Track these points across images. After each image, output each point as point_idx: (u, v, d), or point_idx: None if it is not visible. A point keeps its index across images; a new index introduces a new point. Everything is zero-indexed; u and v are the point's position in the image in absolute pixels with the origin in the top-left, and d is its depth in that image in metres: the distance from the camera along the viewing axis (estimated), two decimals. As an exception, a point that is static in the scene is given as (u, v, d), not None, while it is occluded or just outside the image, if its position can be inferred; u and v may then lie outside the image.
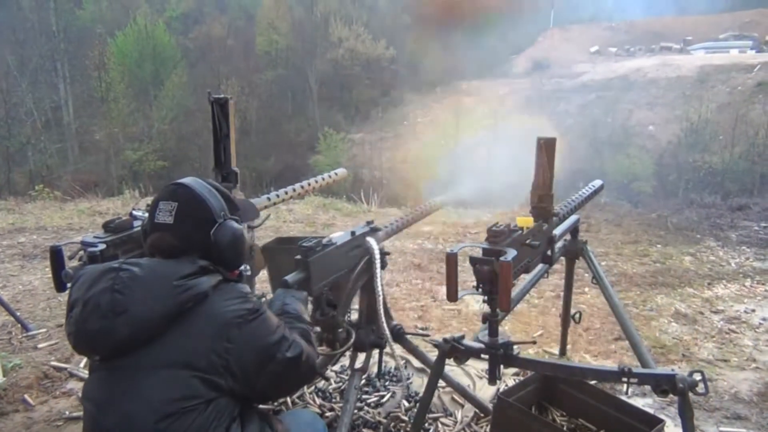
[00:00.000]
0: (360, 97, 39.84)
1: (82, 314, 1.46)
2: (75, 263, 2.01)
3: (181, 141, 32.08)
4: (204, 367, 1.43)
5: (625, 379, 1.96)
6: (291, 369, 1.58)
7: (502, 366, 2.12)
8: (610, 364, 3.53)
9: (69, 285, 1.95)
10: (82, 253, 1.99)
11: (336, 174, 3.26)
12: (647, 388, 3.18)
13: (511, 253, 1.89)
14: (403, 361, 3.31)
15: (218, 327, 1.46)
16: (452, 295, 1.97)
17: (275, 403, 2.80)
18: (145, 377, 1.43)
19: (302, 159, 33.41)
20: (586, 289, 4.85)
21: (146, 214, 2.23)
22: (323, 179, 3.16)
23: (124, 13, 38.45)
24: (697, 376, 1.92)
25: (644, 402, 3.08)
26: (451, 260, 1.94)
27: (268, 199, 2.76)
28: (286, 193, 2.88)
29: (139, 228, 2.12)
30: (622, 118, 33.07)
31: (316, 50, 39.30)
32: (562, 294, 4.52)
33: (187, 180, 1.66)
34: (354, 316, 2.47)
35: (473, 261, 1.96)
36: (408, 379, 3.13)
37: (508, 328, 2.20)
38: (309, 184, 3.05)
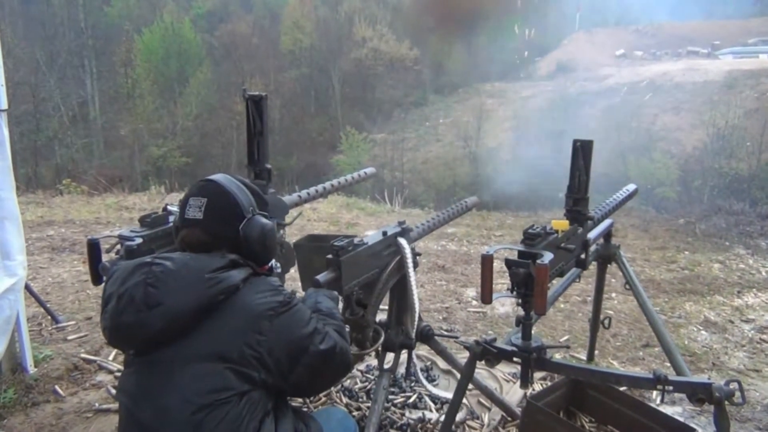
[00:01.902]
0: (383, 97, 39.85)
1: (117, 308, 1.47)
2: (112, 256, 2.03)
3: (204, 138, 32.39)
4: (237, 359, 1.44)
5: (660, 387, 1.93)
6: (325, 362, 1.58)
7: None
8: (639, 371, 3.49)
9: (105, 278, 1.97)
10: (119, 246, 2.01)
11: (365, 173, 3.26)
12: (677, 395, 3.15)
13: (547, 256, 1.87)
14: (429, 363, 3.30)
15: (250, 319, 1.47)
16: (487, 297, 1.96)
17: (304, 402, 2.80)
18: (179, 370, 1.44)
19: (324, 158, 33.54)
20: (614, 295, 4.80)
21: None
22: (353, 178, 3.16)
23: (151, 10, 38.92)
24: (734, 386, 1.89)
25: (673, 410, 3.03)
26: (487, 262, 1.93)
27: (299, 197, 2.76)
28: (317, 191, 2.88)
29: (174, 223, 2.14)
30: (647, 122, 32.74)
31: (339, 50, 39.40)
32: (588, 299, 4.49)
33: (217, 176, 1.68)
34: (383, 316, 2.47)
35: (509, 263, 1.95)
36: (435, 381, 3.12)
37: (534, 332, 2.18)
38: (339, 183, 3.05)
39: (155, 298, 1.44)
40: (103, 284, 2.01)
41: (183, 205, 1.64)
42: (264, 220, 1.64)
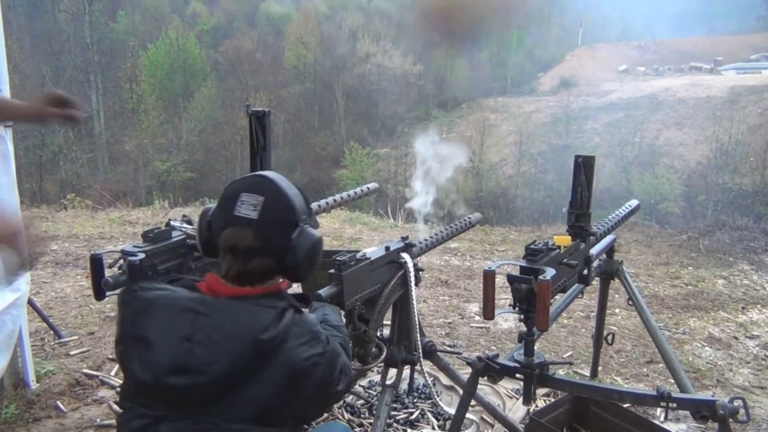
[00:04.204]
0: (386, 112, 40.02)
1: (158, 364, 1.31)
2: (115, 271, 2.03)
3: (208, 152, 32.55)
4: (275, 420, 1.36)
5: (663, 404, 1.92)
6: (337, 399, 1.58)
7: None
8: (642, 387, 3.47)
9: (108, 293, 1.97)
10: (122, 262, 2.01)
11: (368, 188, 3.27)
12: (681, 412, 3.13)
13: (549, 272, 1.87)
14: (432, 379, 3.29)
15: (292, 378, 1.35)
16: (489, 313, 1.95)
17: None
18: (217, 429, 1.34)
19: (327, 173, 33.65)
20: (617, 310, 4.78)
21: (184, 225, 2.24)
22: (356, 193, 3.16)
23: (157, 26, 39.28)
24: (738, 403, 1.88)
25: (677, 428, 3.01)
26: (489, 278, 1.93)
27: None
28: (320, 206, 2.88)
29: (178, 238, 2.13)
30: (650, 137, 32.83)
31: (343, 65, 39.64)
32: (591, 314, 4.47)
33: (271, 174, 1.51)
34: (385, 331, 2.46)
35: (511, 279, 1.95)
36: (437, 396, 3.10)
37: (537, 348, 2.17)
38: (342, 198, 3.06)
39: (204, 361, 1.30)
40: (106, 298, 2.02)
41: (231, 200, 1.43)
42: (315, 232, 1.48)
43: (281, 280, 1.50)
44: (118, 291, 1.71)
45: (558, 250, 2.11)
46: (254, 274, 1.41)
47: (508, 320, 4.44)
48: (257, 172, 1.52)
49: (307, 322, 1.43)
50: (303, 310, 1.47)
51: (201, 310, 1.33)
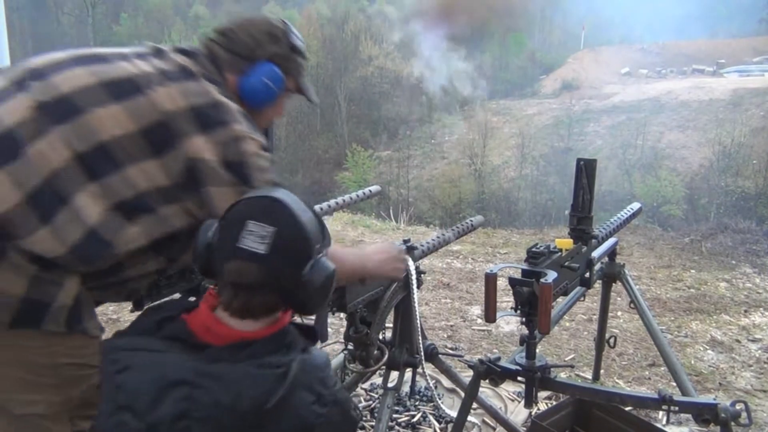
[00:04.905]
0: (388, 114, 40.13)
1: None
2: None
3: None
4: None
5: (665, 407, 1.92)
6: None
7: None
8: (644, 391, 3.47)
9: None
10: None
11: (371, 191, 3.27)
12: (683, 416, 3.12)
13: (551, 275, 1.87)
14: (434, 381, 3.29)
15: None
16: (491, 316, 1.96)
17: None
18: None
19: (329, 175, 33.74)
20: (619, 314, 4.77)
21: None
22: (358, 196, 3.17)
23: (160, 29, 39.43)
24: (740, 407, 1.88)
25: (680, 431, 3.01)
26: (490, 280, 1.93)
27: (304, 214, 2.77)
28: (322, 209, 2.89)
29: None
30: (652, 140, 32.89)
31: (345, 68, 39.72)
32: (594, 317, 4.47)
33: (283, 195, 1.28)
34: (387, 334, 2.46)
35: (512, 282, 1.95)
36: (439, 399, 3.10)
37: (539, 351, 2.17)
38: (344, 200, 3.06)
39: None
40: None
41: (236, 226, 1.22)
42: (328, 264, 1.27)
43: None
44: None
45: (560, 253, 2.11)
46: (257, 309, 1.24)
47: (509, 323, 4.44)
48: (268, 193, 1.29)
49: (317, 366, 1.27)
50: (311, 348, 1.32)
51: (196, 381, 1.14)
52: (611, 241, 2.73)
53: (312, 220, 1.28)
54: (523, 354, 2.06)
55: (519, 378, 2.07)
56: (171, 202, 1.47)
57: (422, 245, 2.44)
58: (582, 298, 2.78)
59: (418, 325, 2.28)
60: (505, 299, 3.46)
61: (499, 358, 2.13)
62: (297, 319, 1.44)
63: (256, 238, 1.19)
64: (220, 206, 1.41)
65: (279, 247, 1.20)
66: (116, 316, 4.03)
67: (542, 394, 3.14)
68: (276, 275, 1.21)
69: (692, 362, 3.96)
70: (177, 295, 1.90)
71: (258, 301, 1.23)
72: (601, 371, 3.48)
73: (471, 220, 2.81)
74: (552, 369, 2.07)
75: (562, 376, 3.49)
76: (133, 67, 1.48)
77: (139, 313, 1.41)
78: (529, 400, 2.09)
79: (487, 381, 2.15)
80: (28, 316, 1.30)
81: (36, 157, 1.31)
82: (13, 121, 1.32)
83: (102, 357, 1.22)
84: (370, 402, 3.06)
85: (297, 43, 1.80)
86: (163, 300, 1.40)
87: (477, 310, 4.84)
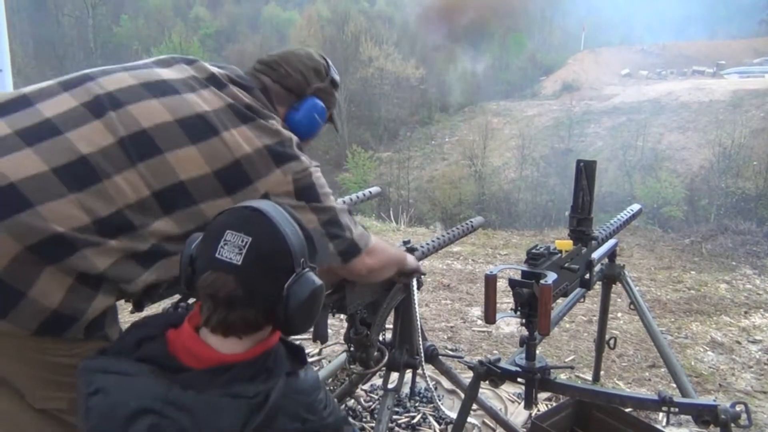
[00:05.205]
0: (388, 115, 40.17)
1: None
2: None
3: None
4: None
5: (665, 409, 1.92)
6: None
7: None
8: (644, 392, 3.47)
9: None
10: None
11: (371, 192, 3.27)
12: (683, 417, 3.12)
13: (551, 276, 1.87)
14: (434, 383, 3.29)
15: None
16: (490, 318, 1.96)
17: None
18: None
19: (330, 176, 33.62)
20: (619, 315, 4.77)
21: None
22: (358, 197, 3.16)
23: (160, 30, 39.47)
24: (740, 408, 1.88)
25: (680, 432, 3.01)
26: (490, 282, 1.93)
27: (304, 216, 2.77)
28: (322, 210, 2.89)
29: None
30: (652, 141, 32.91)
31: (346, 69, 39.73)
32: (594, 318, 4.47)
33: (264, 205, 1.22)
34: (387, 335, 2.46)
35: (512, 283, 1.95)
36: (439, 400, 3.10)
37: (539, 353, 2.16)
38: (344, 202, 3.06)
39: None
40: None
41: (213, 236, 1.17)
42: (315, 278, 1.20)
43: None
44: None
45: (560, 255, 2.11)
46: (237, 326, 1.16)
47: (509, 324, 4.44)
48: (248, 203, 1.24)
49: (300, 392, 1.21)
50: (299, 372, 1.25)
51: (163, 410, 1.08)
52: (611, 242, 2.73)
53: (296, 233, 1.21)
54: (523, 355, 2.06)
55: (519, 379, 2.07)
56: None
57: (422, 246, 2.45)
58: (582, 300, 2.78)
59: (419, 326, 2.29)
60: (505, 300, 3.46)
61: (499, 360, 2.13)
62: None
63: (232, 248, 1.14)
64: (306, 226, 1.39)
65: (255, 257, 1.14)
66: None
67: (542, 395, 3.15)
68: (253, 288, 1.15)
69: (692, 364, 3.96)
70: (177, 296, 1.91)
71: (237, 316, 1.15)
72: (601, 372, 3.48)
73: (471, 222, 2.81)
74: (552, 370, 2.07)
75: (562, 377, 3.49)
76: (203, 102, 1.54)
77: (140, 314, 1.42)
78: (529, 402, 2.10)
79: (487, 382, 2.16)
80: (54, 327, 1.32)
81: (113, 190, 1.36)
82: (91, 151, 1.36)
83: (77, 378, 1.17)
84: (370, 403, 3.06)
85: (337, 78, 1.91)
86: (148, 315, 1.37)
87: (477, 312, 4.84)
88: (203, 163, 1.47)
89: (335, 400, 1.35)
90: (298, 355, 1.30)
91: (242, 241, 1.14)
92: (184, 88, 1.55)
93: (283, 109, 1.76)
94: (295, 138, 1.65)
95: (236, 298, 1.14)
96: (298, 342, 1.35)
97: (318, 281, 1.20)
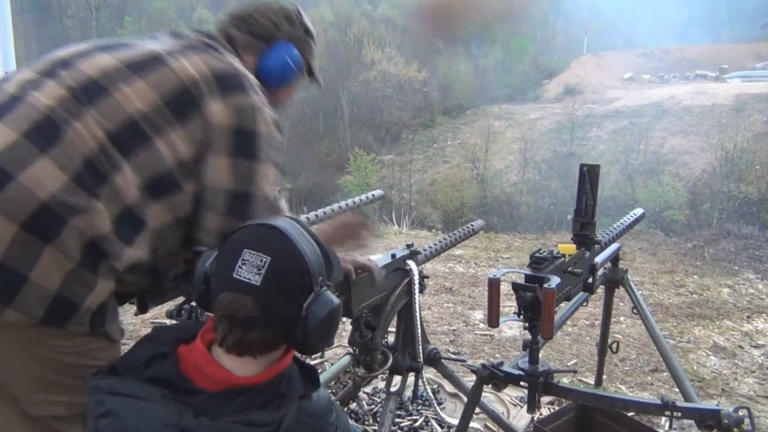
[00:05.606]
0: (391, 118, 40.18)
1: None
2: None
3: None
4: None
5: (668, 413, 1.92)
6: None
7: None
8: (647, 396, 3.47)
9: None
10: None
11: (373, 195, 3.27)
12: (686, 422, 3.12)
13: (554, 281, 1.87)
14: (436, 386, 3.28)
15: None
16: (494, 321, 1.96)
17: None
18: None
19: (332, 179, 33.73)
20: (622, 319, 4.77)
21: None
22: (361, 200, 3.17)
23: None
24: (743, 413, 1.88)
25: (682, 437, 3.00)
26: (494, 285, 1.93)
27: (307, 218, 2.77)
28: (324, 213, 2.89)
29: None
30: (654, 145, 32.88)
31: (348, 72, 39.77)
32: (596, 322, 4.46)
33: (283, 223, 1.20)
34: (391, 338, 2.46)
35: (516, 287, 1.95)
36: (442, 404, 3.10)
37: (542, 356, 2.16)
38: (346, 205, 3.06)
39: None
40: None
41: (231, 255, 1.16)
42: (333, 298, 1.19)
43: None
44: None
45: (563, 259, 2.11)
46: (254, 346, 1.15)
47: (512, 328, 4.44)
48: (266, 220, 1.22)
49: (313, 415, 1.21)
50: (311, 394, 1.25)
51: (183, 426, 1.07)
52: (614, 246, 2.73)
53: (314, 251, 1.19)
54: (526, 359, 2.06)
55: (522, 383, 2.08)
56: (191, 177, 1.47)
57: (425, 249, 2.45)
58: (585, 304, 2.79)
59: (421, 329, 2.29)
60: (508, 304, 3.46)
61: (501, 363, 2.13)
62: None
63: (251, 267, 1.13)
64: (212, 179, 1.42)
65: (275, 278, 1.13)
66: (120, 318, 4.03)
67: (545, 399, 3.14)
68: (271, 308, 1.13)
69: (695, 368, 3.95)
70: (181, 299, 1.91)
71: (254, 336, 1.13)
72: (604, 376, 3.48)
73: (472, 225, 2.82)
74: (555, 374, 2.07)
75: (565, 381, 3.49)
76: (158, 44, 1.51)
77: (143, 315, 1.41)
78: (532, 405, 2.10)
79: (489, 386, 2.16)
80: (58, 313, 1.30)
81: (76, 139, 1.33)
82: (49, 105, 1.34)
83: (87, 396, 1.16)
84: (373, 406, 3.06)
85: (309, 26, 1.88)
86: (157, 326, 1.36)
87: (480, 315, 4.84)
88: (150, 91, 1.41)
89: (348, 420, 1.31)
90: (311, 377, 1.29)
91: (261, 261, 1.13)
92: (140, 42, 1.52)
93: (252, 57, 1.70)
94: (254, 79, 1.57)
95: (254, 319, 1.12)
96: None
97: (336, 300, 1.19)
